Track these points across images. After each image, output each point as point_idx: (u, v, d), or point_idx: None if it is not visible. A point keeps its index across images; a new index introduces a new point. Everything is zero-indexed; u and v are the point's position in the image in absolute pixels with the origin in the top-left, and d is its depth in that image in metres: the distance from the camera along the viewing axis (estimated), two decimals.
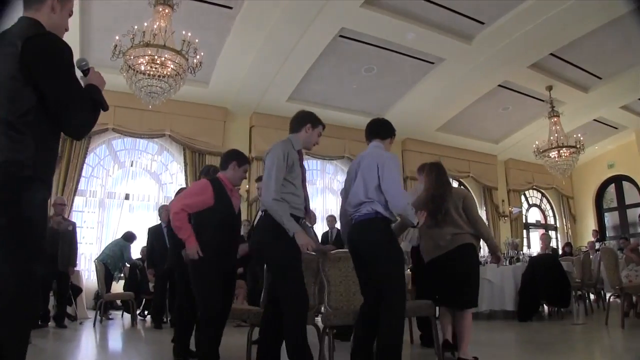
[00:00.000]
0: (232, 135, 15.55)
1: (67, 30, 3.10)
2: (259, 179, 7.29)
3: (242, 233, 7.94)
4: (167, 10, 9.64)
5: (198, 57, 9.73)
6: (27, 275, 2.68)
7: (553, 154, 15.57)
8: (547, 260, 10.62)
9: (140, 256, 12.56)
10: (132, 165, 14.86)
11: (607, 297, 9.95)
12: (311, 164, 17.32)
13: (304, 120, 5.07)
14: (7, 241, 2.62)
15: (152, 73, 9.45)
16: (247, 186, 15.12)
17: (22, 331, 2.70)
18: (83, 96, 2.89)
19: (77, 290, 11.18)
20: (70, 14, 3.11)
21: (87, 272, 13.15)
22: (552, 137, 15.58)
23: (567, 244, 18.75)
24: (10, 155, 2.66)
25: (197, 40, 9.64)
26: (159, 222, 10.26)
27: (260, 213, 5.01)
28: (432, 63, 13.94)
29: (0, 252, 2.61)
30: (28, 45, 2.69)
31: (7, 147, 2.66)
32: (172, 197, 14.21)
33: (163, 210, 10.07)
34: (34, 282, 2.75)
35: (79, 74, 3.00)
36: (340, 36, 12.37)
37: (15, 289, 2.61)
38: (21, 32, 2.77)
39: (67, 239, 9.98)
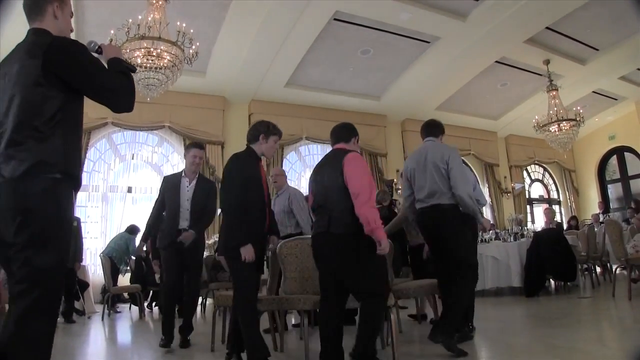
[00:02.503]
0: (231, 124, 15.55)
1: (72, 31, 3.28)
2: None
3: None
4: (160, 2, 9.62)
5: (194, 47, 9.72)
6: (60, 272, 2.91)
7: (553, 128, 15.54)
8: (552, 234, 10.63)
9: (145, 248, 12.58)
10: (133, 158, 14.88)
11: (614, 269, 9.97)
12: (312, 149, 17.39)
13: (441, 129, 5.97)
14: (42, 241, 2.77)
15: (148, 65, 9.45)
16: None
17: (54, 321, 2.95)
18: (114, 76, 3.05)
19: (84, 285, 11.22)
20: (71, 16, 3.26)
21: (93, 266, 13.20)
22: (551, 111, 15.56)
23: (573, 218, 18.77)
24: (40, 158, 2.78)
25: (192, 31, 9.62)
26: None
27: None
28: (428, 42, 13.88)
29: (36, 250, 2.74)
30: (49, 52, 2.83)
31: (36, 150, 2.79)
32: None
33: None
34: (62, 278, 2.98)
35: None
36: (335, 19, 12.33)
37: (51, 285, 2.81)
38: (38, 42, 2.90)
39: (72, 235, 9.98)
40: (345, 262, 4.42)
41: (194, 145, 7.21)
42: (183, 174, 6.88)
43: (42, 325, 2.78)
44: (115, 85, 3.00)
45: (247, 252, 4.66)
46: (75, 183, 3.00)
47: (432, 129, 5.93)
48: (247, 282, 4.78)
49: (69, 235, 2.97)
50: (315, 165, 5.06)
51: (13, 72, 2.89)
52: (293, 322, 8.21)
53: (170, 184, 6.87)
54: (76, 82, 2.91)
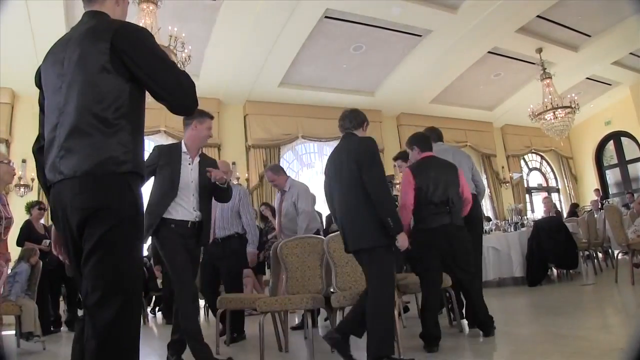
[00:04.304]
0: (226, 126, 15.52)
1: None
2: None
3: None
4: (151, 7, 9.59)
5: (186, 50, 9.72)
6: (139, 274, 2.79)
7: (548, 116, 15.54)
8: (552, 223, 10.63)
9: (146, 253, 12.55)
10: None
11: (615, 255, 9.97)
12: (308, 147, 17.38)
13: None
14: (118, 242, 2.57)
15: None
16: (247, 174, 15.12)
17: None
18: (181, 72, 2.81)
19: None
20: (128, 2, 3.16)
21: None
22: (546, 99, 15.56)
23: (575, 205, 18.81)
24: (109, 153, 2.58)
25: (184, 34, 9.62)
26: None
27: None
28: (420, 36, 13.87)
29: (112, 254, 2.55)
30: (118, 36, 2.65)
31: (104, 143, 2.58)
32: None
33: None
34: (141, 282, 2.89)
35: None
36: (326, 17, 12.32)
37: (133, 290, 2.65)
38: (103, 26, 2.72)
39: None
40: (465, 245, 5.66)
41: (208, 115, 5.54)
42: (184, 149, 5.44)
43: (127, 338, 2.58)
44: (183, 82, 2.76)
45: (404, 240, 4.73)
46: (143, 182, 2.80)
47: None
48: (393, 275, 4.77)
49: (142, 234, 2.78)
50: (418, 167, 5.72)
51: (74, 57, 2.67)
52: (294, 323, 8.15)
53: (168, 157, 5.38)
54: (142, 72, 2.68)
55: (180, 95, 2.76)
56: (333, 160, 5.08)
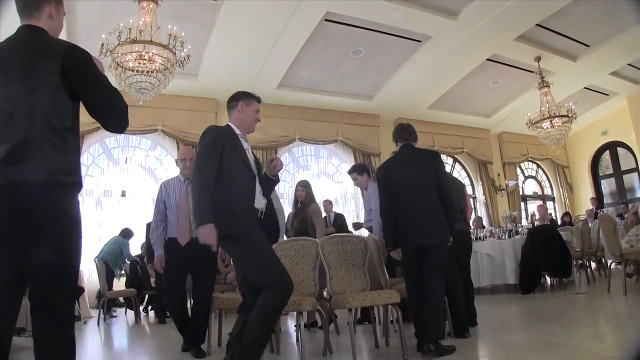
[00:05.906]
0: None
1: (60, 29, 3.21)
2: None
3: None
4: (151, 6, 9.59)
5: (185, 50, 9.70)
6: (77, 279, 2.98)
7: (546, 124, 15.57)
8: (546, 231, 10.64)
9: (140, 252, 12.53)
10: (126, 162, 14.82)
11: (609, 265, 9.99)
12: (305, 149, 17.40)
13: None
14: (66, 250, 2.78)
15: (140, 69, 9.41)
16: None
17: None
18: (118, 93, 2.99)
19: (79, 290, 11.18)
20: (64, 14, 3.25)
21: (87, 271, 13.10)
22: (543, 108, 15.58)
23: (566, 214, 18.84)
24: (59, 165, 2.73)
25: (183, 34, 9.60)
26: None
27: None
28: (419, 41, 13.86)
29: (59, 260, 2.74)
30: (69, 57, 2.81)
31: (57, 157, 2.74)
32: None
33: None
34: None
35: None
36: (326, 20, 12.31)
37: (73, 292, 3.00)
38: (51, 44, 2.87)
39: None
40: (470, 248, 7.02)
41: (255, 96, 5.02)
42: (237, 131, 4.71)
43: (69, 335, 2.88)
44: (119, 104, 2.97)
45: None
46: (79, 193, 2.95)
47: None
48: None
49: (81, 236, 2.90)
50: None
51: (23, 69, 2.74)
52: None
53: (230, 140, 4.54)
54: (86, 92, 2.88)
55: (116, 116, 3.01)
56: (400, 164, 5.94)
